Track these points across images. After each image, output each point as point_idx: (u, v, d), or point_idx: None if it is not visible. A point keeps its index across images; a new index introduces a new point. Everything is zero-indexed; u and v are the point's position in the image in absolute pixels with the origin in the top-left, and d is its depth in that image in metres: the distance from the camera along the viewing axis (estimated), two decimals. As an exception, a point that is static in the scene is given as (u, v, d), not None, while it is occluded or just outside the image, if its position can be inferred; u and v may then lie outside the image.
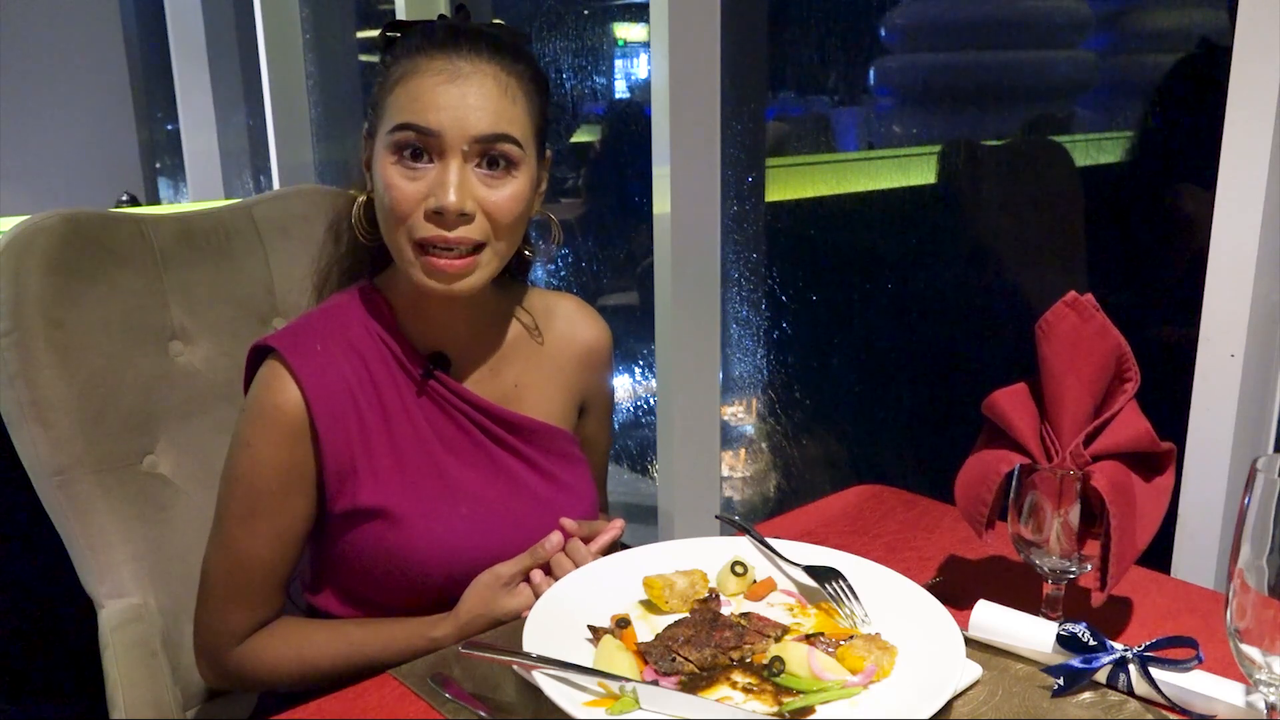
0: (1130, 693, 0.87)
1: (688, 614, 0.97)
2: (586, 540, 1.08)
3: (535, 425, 1.16)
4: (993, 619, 0.95)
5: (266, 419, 1.05)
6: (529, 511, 1.11)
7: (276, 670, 1.08)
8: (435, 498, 1.09)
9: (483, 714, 0.85)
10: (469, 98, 1.01)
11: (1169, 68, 1.56)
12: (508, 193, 1.04)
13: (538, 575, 1.05)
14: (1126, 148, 1.63)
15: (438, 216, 1.01)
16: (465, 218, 1.02)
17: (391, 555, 1.07)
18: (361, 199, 1.11)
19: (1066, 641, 0.90)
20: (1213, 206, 1.23)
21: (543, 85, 1.09)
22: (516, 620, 0.99)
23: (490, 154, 1.03)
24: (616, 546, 1.11)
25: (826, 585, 0.99)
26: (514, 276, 1.22)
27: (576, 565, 1.05)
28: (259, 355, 1.09)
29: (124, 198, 3.09)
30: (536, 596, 1.00)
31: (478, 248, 1.04)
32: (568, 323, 1.24)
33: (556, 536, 1.05)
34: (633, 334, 2.53)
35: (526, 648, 0.86)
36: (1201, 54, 1.47)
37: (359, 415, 1.07)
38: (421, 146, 1.02)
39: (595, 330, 1.25)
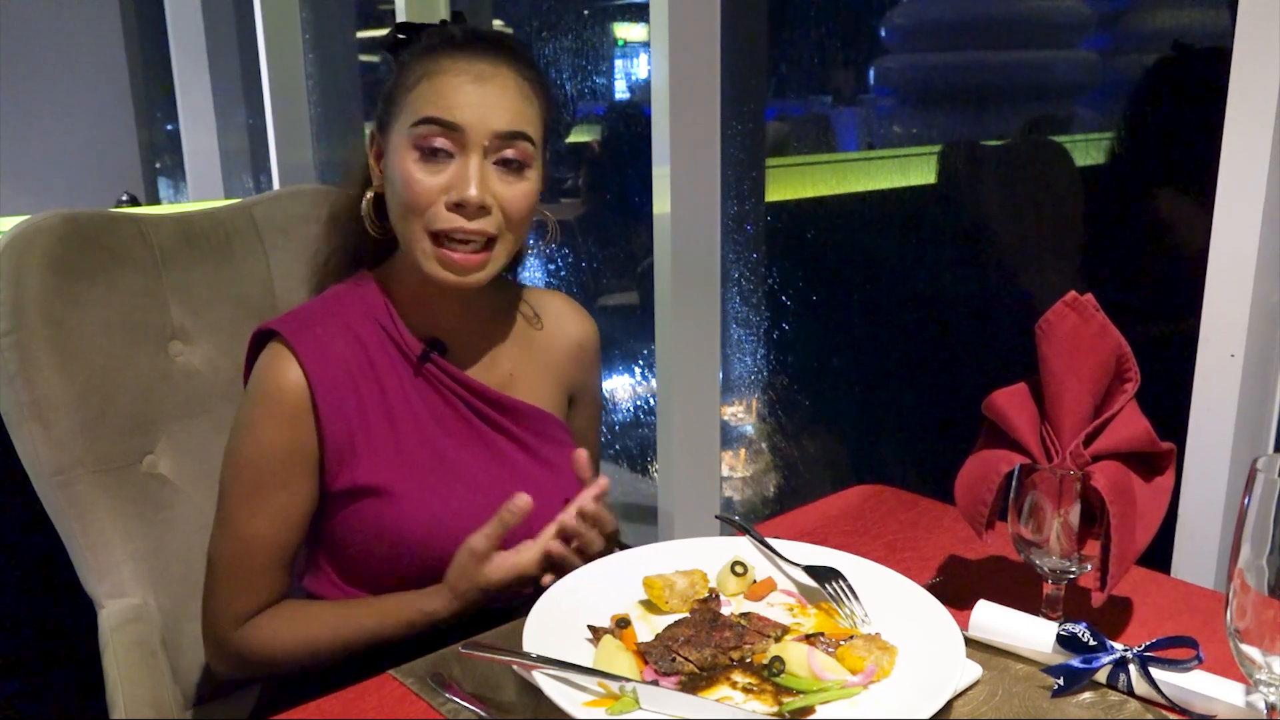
0: (1130, 693, 0.87)
1: (688, 614, 0.97)
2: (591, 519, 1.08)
3: (529, 409, 1.19)
4: (993, 619, 0.95)
5: (270, 400, 1.08)
6: (521, 492, 1.11)
7: (279, 650, 1.09)
8: (431, 476, 1.11)
9: (483, 714, 0.85)
10: (490, 96, 1.06)
11: (1159, 67, 1.56)
12: (522, 189, 1.09)
13: (557, 546, 1.06)
14: (1126, 148, 1.62)
15: (459, 209, 1.06)
16: (484, 210, 1.06)
17: (387, 532, 1.08)
18: (370, 195, 1.14)
19: (1066, 641, 0.90)
20: (1210, 206, 1.23)
21: (550, 93, 1.16)
22: (514, 613, 0.99)
23: (508, 151, 1.07)
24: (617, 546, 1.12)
25: (826, 585, 0.99)
26: (508, 273, 1.26)
27: (589, 543, 1.07)
28: (260, 341, 1.12)
29: (124, 198, 3.09)
30: (554, 568, 1.04)
31: (490, 242, 1.08)
32: (557, 319, 1.28)
33: (524, 499, 1.04)
34: (633, 334, 2.53)
35: (526, 648, 0.86)
36: (1194, 53, 1.48)
37: (358, 395, 1.10)
38: (445, 140, 1.06)
39: (584, 326, 1.30)
